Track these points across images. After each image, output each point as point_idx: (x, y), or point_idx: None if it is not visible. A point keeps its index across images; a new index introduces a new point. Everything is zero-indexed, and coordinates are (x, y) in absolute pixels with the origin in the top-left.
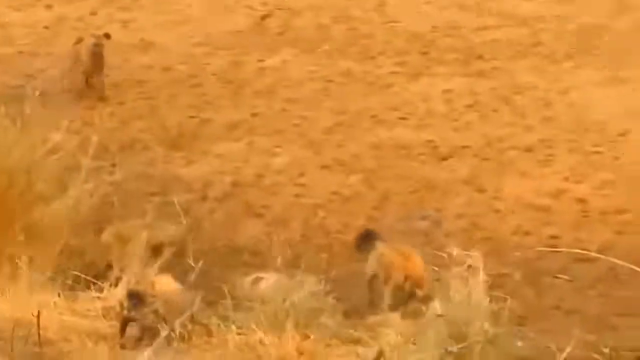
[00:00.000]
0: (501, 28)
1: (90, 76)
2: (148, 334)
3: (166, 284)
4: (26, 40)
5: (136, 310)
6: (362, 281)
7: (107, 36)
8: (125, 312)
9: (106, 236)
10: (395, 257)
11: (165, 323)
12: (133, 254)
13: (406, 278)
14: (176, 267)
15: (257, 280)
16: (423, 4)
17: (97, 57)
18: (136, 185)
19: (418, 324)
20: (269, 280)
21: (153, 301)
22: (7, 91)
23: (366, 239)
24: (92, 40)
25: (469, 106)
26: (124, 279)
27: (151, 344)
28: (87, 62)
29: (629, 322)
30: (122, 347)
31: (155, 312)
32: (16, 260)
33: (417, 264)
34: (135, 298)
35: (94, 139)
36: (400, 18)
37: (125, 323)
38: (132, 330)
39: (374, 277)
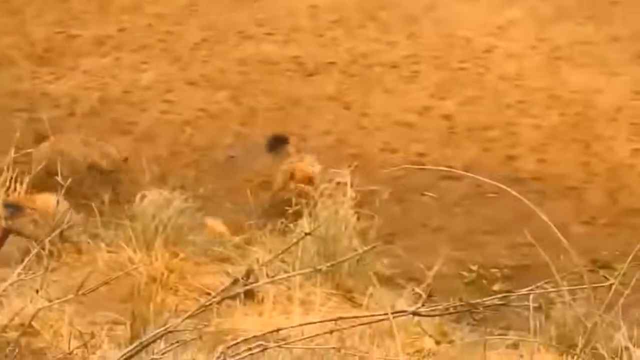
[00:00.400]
0: None
1: None
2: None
3: (47, 200)
4: None
5: (14, 220)
6: (231, 198)
7: None
8: (2, 222)
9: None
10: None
11: (40, 237)
12: (1, 171)
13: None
14: (44, 184)
15: (143, 197)
16: None
17: None
18: (3, 102)
19: (286, 241)
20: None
21: (32, 213)
22: None
23: (277, 143)
24: None
25: (335, 22)
26: None
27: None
28: None
29: (495, 240)
30: None
31: (35, 222)
32: None
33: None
34: (13, 207)
35: None
36: None
37: (4, 235)
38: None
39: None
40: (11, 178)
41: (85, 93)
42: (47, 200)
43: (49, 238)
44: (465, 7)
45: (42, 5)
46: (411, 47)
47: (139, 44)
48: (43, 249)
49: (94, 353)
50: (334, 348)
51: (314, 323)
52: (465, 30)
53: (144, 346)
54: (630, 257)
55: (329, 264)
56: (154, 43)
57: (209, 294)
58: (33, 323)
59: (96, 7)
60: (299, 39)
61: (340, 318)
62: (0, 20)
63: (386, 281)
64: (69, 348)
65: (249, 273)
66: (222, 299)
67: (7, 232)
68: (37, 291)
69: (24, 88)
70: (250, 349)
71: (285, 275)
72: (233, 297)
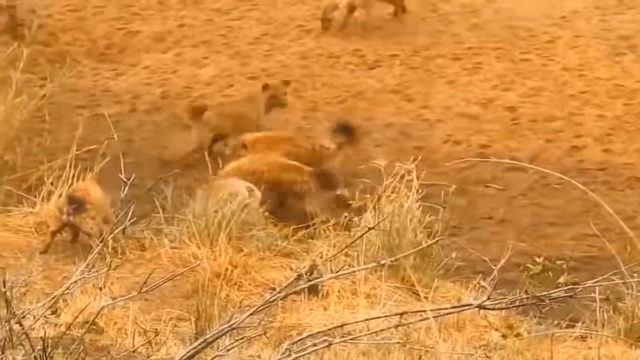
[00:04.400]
0: None
1: None
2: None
3: (96, 191)
4: None
5: (75, 216)
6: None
7: None
8: (64, 217)
9: None
10: None
11: (102, 232)
12: (64, 167)
13: None
14: (108, 181)
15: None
16: None
17: None
18: (65, 99)
19: (350, 235)
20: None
21: (91, 208)
22: None
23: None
24: None
25: (396, 14)
26: (56, 193)
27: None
28: None
29: (561, 231)
30: (44, 251)
31: (93, 218)
32: None
33: None
34: (76, 202)
35: (24, 52)
36: None
37: (60, 228)
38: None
39: None
40: (74, 175)
41: (147, 89)
42: (96, 191)
43: (112, 235)
44: None
45: (102, 1)
46: (473, 38)
47: (200, 39)
48: (106, 245)
49: (158, 350)
50: (399, 342)
51: (379, 318)
52: (527, 21)
53: (209, 342)
54: None
55: (393, 258)
56: (214, 38)
57: (273, 289)
58: (97, 320)
59: (156, 3)
60: (360, 31)
61: (406, 312)
62: (60, 17)
63: (452, 274)
64: (133, 345)
65: (312, 268)
66: (287, 295)
67: (66, 225)
68: (100, 289)
69: (86, 84)
70: (315, 344)
71: (349, 270)
72: (297, 292)
